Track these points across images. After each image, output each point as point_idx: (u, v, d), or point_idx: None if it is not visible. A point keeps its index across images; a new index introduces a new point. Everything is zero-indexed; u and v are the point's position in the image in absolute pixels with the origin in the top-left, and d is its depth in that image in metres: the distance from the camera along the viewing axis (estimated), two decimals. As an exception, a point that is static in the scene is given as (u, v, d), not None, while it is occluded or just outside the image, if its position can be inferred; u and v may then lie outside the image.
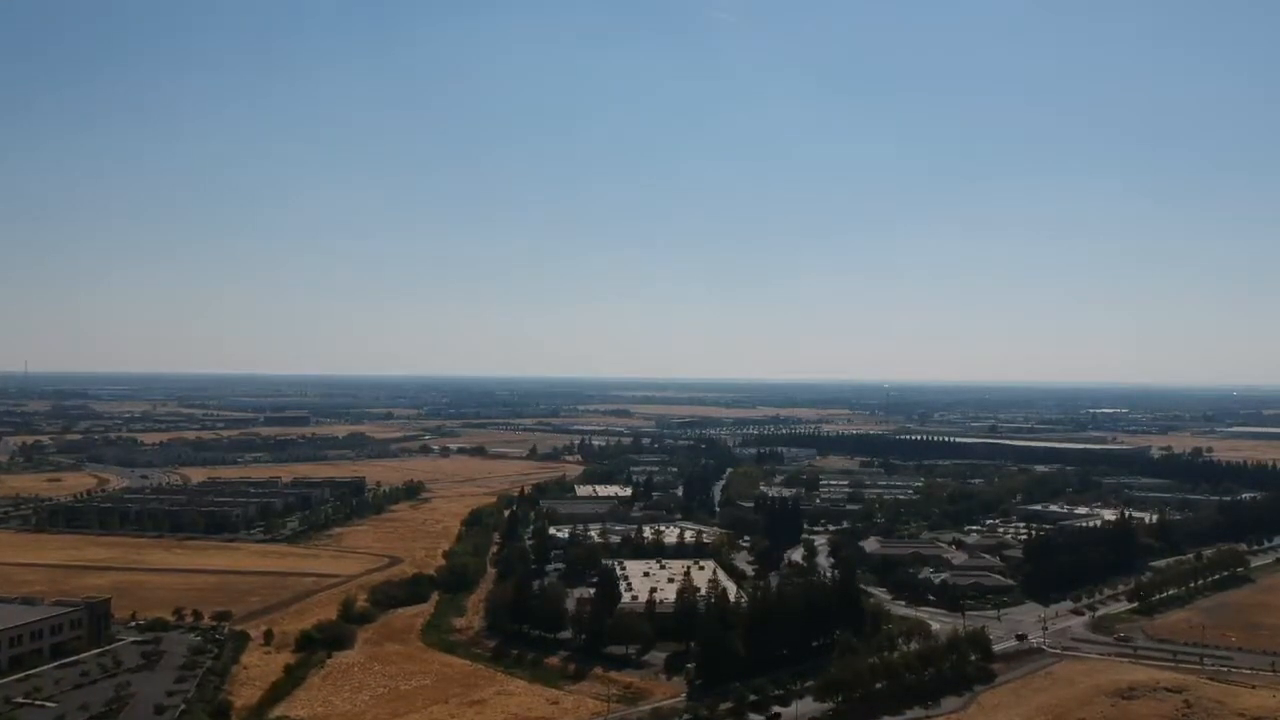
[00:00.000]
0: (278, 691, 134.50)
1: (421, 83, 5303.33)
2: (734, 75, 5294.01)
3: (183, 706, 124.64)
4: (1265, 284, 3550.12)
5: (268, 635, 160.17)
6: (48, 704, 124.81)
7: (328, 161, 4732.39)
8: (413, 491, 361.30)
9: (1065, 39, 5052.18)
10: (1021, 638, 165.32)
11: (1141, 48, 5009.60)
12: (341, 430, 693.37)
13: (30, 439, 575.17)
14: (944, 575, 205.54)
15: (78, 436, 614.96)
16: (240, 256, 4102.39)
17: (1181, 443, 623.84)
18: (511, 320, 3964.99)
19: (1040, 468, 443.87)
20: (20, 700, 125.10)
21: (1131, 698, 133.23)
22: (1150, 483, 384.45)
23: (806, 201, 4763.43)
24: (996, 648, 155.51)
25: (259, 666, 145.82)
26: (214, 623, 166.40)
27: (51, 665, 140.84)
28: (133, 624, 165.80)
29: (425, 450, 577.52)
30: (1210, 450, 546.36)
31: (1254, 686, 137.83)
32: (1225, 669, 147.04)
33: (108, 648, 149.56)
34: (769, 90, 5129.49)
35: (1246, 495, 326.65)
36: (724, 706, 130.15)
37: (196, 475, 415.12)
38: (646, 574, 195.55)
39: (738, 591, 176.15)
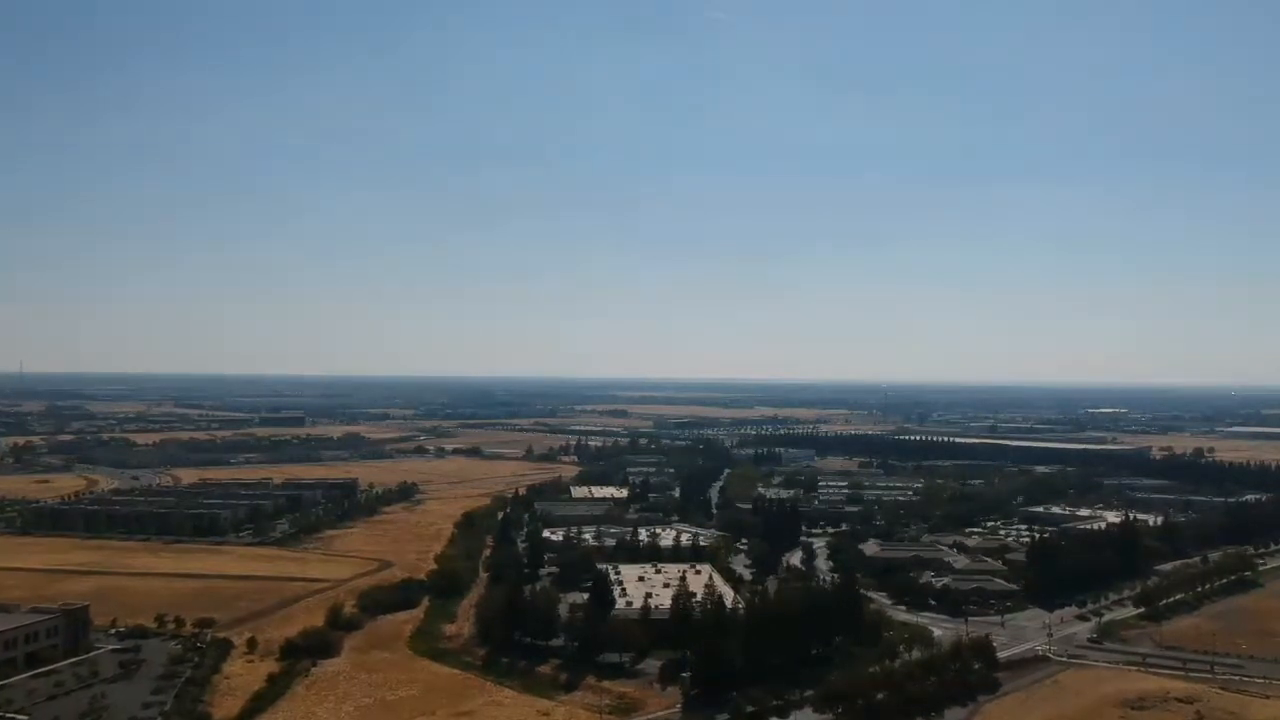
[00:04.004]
0: (259, 702, 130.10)
1: (420, 84, 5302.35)
2: (733, 76, 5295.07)
3: (159, 718, 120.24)
4: (1264, 284, 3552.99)
5: (251, 643, 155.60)
6: (19, 716, 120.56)
7: (327, 162, 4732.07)
8: (406, 493, 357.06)
9: (1064, 39, 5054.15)
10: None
11: (1141, 48, 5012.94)
12: (337, 431, 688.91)
13: (22, 440, 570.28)
14: (945, 579, 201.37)
15: (70, 437, 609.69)
16: (240, 257, 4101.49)
17: (1181, 443, 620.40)
18: (510, 321, 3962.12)
19: (1040, 468, 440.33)
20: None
21: (1141, 708, 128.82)
22: (1152, 484, 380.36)
23: (805, 202, 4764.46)
24: (1001, 655, 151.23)
25: (241, 676, 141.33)
26: (196, 630, 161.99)
27: (26, 675, 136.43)
28: (113, 631, 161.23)
29: (420, 451, 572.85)
30: (1212, 450, 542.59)
31: (1268, 697, 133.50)
32: (1237, 678, 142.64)
33: (85, 656, 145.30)
34: (768, 91, 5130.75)
35: (1250, 496, 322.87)
36: (720, 718, 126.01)
37: (188, 476, 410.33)
38: (642, 579, 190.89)
39: (735, 597, 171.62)
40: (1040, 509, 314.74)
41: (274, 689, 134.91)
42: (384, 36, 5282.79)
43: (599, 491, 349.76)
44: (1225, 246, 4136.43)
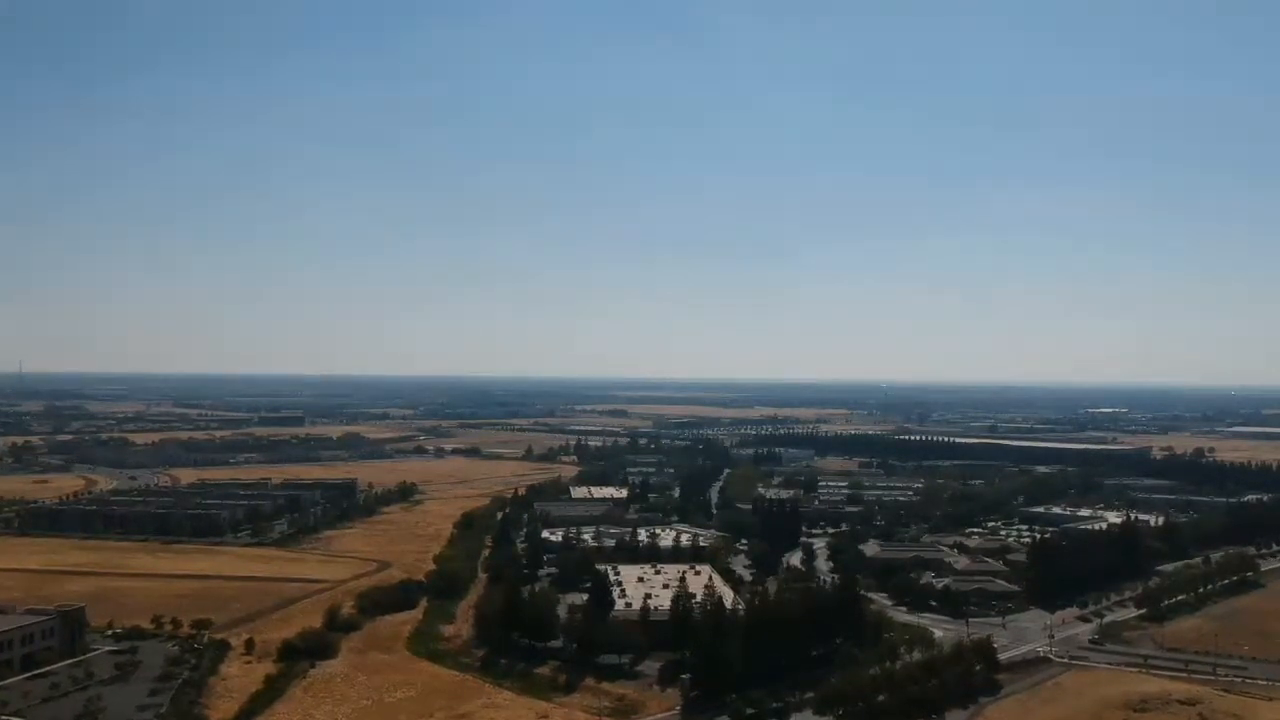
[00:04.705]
0: (256, 704, 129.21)
1: (423, 84, 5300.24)
2: (735, 77, 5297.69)
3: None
4: (1265, 284, 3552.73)
5: (249, 644, 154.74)
6: (13, 718, 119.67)
7: (326, 162, 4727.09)
8: (405, 493, 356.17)
9: (1066, 39, 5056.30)
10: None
11: (1143, 48, 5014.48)
12: (336, 431, 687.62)
13: (21, 440, 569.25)
14: (946, 580, 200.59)
15: (69, 437, 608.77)
16: (240, 257, 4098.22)
17: (1182, 443, 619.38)
18: (509, 320, 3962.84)
19: (1041, 468, 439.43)
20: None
21: (1144, 710, 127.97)
22: (1153, 484, 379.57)
23: (805, 201, 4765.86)
24: (1002, 657, 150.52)
25: (239, 677, 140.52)
26: (193, 631, 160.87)
27: (21, 677, 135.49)
28: (109, 633, 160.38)
29: (420, 451, 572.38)
30: (1212, 450, 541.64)
31: (1271, 699, 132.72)
32: (1240, 679, 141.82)
33: (81, 658, 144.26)
34: (769, 91, 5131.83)
35: (1251, 497, 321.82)
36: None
37: (187, 476, 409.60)
38: (641, 579, 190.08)
39: (735, 598, 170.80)
40: (1041, 509, 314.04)
41: (271, 691, 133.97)
42: (385, 36, 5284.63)
43: (598, 492, 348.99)
44: (1225, 246, 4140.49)
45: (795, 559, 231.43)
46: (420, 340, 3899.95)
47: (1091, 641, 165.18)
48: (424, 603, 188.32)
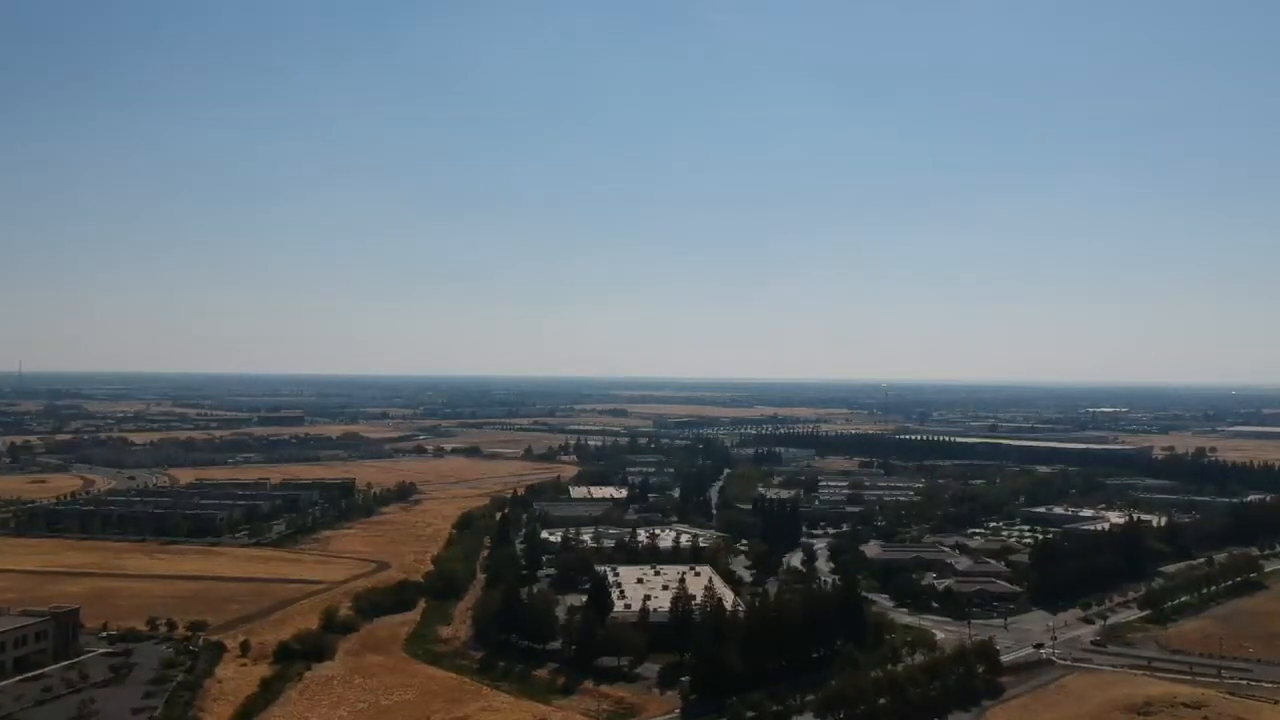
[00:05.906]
0: (251, 707, 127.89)
1: (420, 81, 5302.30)
2: (732, 74, 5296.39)
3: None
4: (1265, 284, 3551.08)
5: (244, 646, 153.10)
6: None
7: (326, 160, 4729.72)
8: (404, 493, 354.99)
9: (1065, 35, 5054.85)
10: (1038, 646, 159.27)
11: (1142, 44, 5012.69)
12: (335, 430, 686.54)
13: (19, 439, 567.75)
14: (948, 581, 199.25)
15: (68, 437, 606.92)
16: (239, 255, 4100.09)
17: (1183, 442, 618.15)
18: (509, 320, 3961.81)
19: (1042, 468, 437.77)
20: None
21: (1148, 713, 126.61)
22: (1154, 484, 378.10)
23: (805, 200, 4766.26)
24: (1004, 659, 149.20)
25: (234, 680, 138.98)
26: (189, 633, 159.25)
27: (14, 679, 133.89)
28: (104, 634, 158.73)
29: (419, 451, 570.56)
30: (1214, 450, 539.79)
31: (1277, 702, 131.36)
32: (1245, 682, 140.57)
33: (75, 660, 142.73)
34: (767, 89, 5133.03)
35: (1254, 497, 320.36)
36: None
37: (185, 476, 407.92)
38: (640, 580, 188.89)
39: (735, 599, 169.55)
40: (1042, 509, 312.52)
41: (267, 693, 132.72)
42: (382, 32, 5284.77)
43: (598, 492, 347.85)
44: (1225, 246, 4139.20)
45: (796, 560, 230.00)
46: (420, 340, 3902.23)
47: (1094, 643, 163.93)
48: (422, 604, 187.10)
